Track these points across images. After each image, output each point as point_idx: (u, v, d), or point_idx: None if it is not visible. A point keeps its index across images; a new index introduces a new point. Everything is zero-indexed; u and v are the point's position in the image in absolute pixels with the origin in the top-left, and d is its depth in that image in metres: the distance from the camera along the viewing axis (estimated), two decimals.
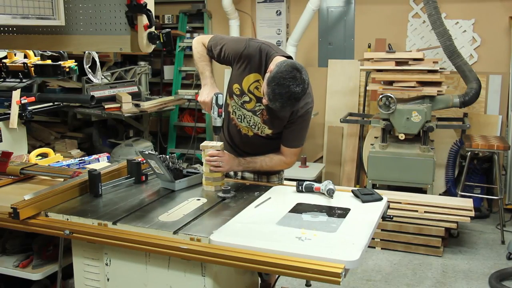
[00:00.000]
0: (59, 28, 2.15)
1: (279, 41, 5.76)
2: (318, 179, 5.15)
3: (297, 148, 2.54)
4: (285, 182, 2.74)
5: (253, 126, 2.53)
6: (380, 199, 2.24)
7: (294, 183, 2.39)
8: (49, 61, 3.92)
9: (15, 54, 4.00)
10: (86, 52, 4.29)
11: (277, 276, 2.43)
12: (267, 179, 2.67)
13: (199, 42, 2.59)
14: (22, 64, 3.84)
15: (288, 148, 2.52)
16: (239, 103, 2.52)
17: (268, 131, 2.51)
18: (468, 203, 3.98)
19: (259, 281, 2.34)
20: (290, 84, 2.13)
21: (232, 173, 2.66)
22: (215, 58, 2.55)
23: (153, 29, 2.09)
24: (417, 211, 3.97)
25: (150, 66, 6.04)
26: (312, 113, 2.52)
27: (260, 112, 2.48)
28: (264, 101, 2.25)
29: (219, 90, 2.48)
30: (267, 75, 2.21)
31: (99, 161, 3.07)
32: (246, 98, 2.48)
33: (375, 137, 5.01)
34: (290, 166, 2.60)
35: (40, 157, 3.06)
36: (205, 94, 2.47)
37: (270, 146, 2.56)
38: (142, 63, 5.98)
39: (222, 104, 2.40)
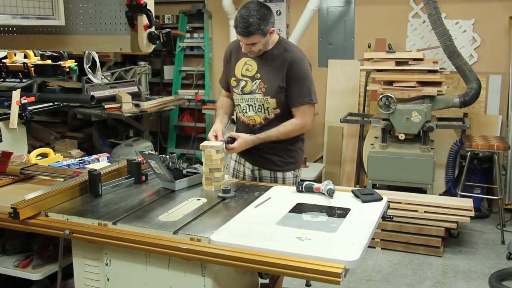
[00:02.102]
0: (59, 28, 2.15)
1: None
2: (318, 179, 5.15)
3: (306, 105, 2.53)
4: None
5: (259, 109, 2.58)
6: (380, 199, 2.24)
7: None
8: (49, 61, 3.90)
9: (15, 54, 4.00)
10: (86, 52, 4.28)
11: (277, 276, 2.44)
12: (282, 176, 2.68)
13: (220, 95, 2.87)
14: (22, 64, 3.83)
15: (297, 108, 2.54)
16: (239, 93, 2.61)
17: (273, 104, 2.54)
18: (468, 203, 3.98)
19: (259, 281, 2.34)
20: (252, 7, 2.39)
21: (249, 172, 2.72)
22: (228, 87, 2.73)
23: (153, 29, 2.10)
24: (417, 211, 3.96)
25: (150, 66, 6.04)
26: (309, 70, 2.56)
27: (257, 86, 2.55)
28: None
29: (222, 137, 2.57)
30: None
31: (99, 161, 3.08)
32: (243, 83, 2.62)
33: (375, 137, 5.00)
34: (306, 127, 2.59)
35: (40, 157, 3.06)
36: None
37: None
38: (142, 63, 5.97)
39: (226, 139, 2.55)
